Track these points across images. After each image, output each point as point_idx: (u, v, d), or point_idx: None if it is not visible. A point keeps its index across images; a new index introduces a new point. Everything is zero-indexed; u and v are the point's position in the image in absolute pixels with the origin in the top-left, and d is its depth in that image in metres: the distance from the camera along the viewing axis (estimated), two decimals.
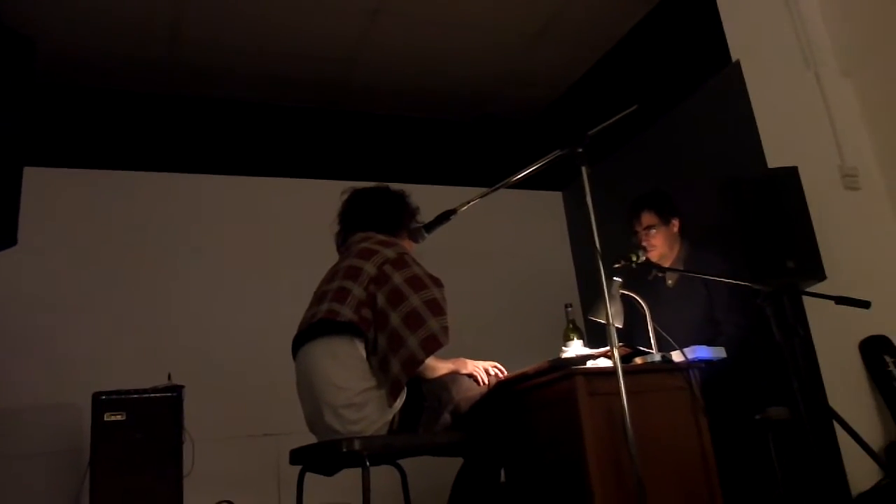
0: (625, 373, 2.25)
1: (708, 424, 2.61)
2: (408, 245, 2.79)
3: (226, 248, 4.37)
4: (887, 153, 3.75)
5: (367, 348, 2.50)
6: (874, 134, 3.80)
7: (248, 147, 4.80)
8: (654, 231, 3.41)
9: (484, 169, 5.04)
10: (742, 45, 3.79)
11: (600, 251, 2.37)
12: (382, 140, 5.17)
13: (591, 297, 3.75)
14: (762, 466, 2.88)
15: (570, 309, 3.06)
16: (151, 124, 4.64)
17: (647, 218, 3.43)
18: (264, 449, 3.96)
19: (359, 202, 2.84)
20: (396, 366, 2.42)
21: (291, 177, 4.68)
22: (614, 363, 2.26)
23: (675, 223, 3.46)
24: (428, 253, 2.91)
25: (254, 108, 4.92)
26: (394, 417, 2.51)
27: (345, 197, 2.87)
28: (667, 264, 3.41)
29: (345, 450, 2.34)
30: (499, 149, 5.40)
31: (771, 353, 2.86)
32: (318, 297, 2.64)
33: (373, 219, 2.78)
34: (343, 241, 2.81)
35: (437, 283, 2.56)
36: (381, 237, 2.71)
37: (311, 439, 2.64)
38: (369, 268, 2.56)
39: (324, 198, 3.02)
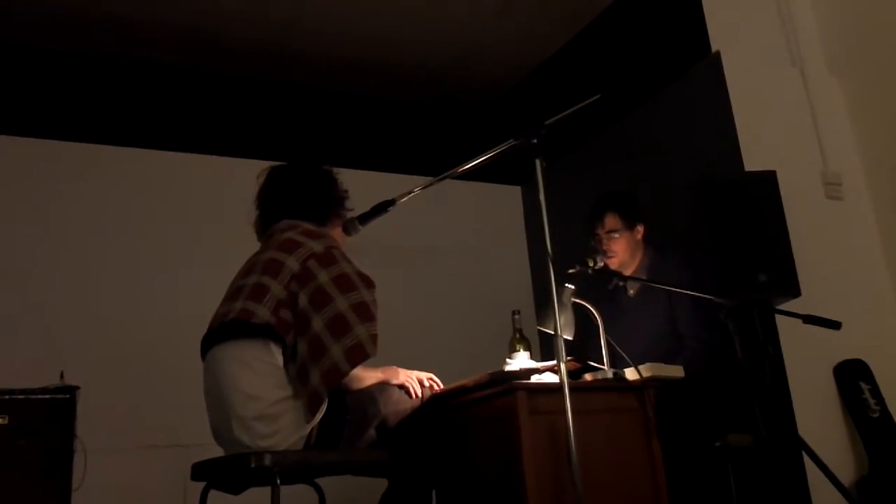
0: (571, 389, 2.29)
1: (661, 450, 2.67)
2: (338, 237, 2.78)
3: (134, 232, 4.32)
4: (874, 160, 3.85)
5: (284, 354, 2.49)
6: (861, 138, 3.90)
7: (163, 117, 4.73)
8: (616, 236, 3.47)
9: (436, 156, 5.06)
10: (724, 35, 3.85)
11: (552, 254, 2.41)
12: (319, 117, 5.16)
13: (544, 304, 3.81)
14: (720, 499, 2.93)
15: (517, 317, 3.10)
16: (49, 85, 4.55)
17: (611, 221, 3.49)
18: (171, 462, 3.90)
19: (279, 183, 2.82)
20: (317, 377, 2.41)
21: (212, 153, 4.63)
22: (560, 379, 2.30)
23: (640, 229, 3.53)
24: (362, 249, 2.93)
25: (172, 72, 4.85)
26: (312, 431, 2.50)
27: (262, 178, 2.85)
28: (628, 272, 3.47)
29: (254, 465, 2.33)
30: (454, 134, 5.43)
31: (735, 374, 2.93)
32: (233, 293, 2.63)
33: (297, 204, 2.76)
34: (264, 228, 2.79)
35: (369, 283, 2.56)
36: (307, 227, 2.69)
37: (221, 452, 2.62)
38: (292, 263, 2.55)
39: (248, 179, 2.99)
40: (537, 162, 2.46)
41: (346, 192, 2.88)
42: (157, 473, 3.93)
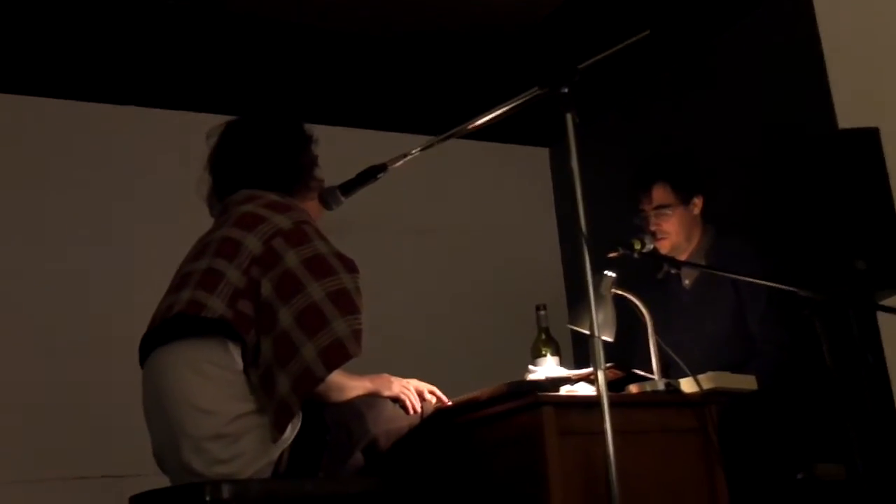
0: (612, 405, 2.30)
1: (726, 482, 2.68)
2: (312, 211, 2.80)
3: (53, 204, 4.33)
4: None
5: (244, 357, 2.51)
6: None
7: (76, 59, 4.69)
8: (667, 212, 3.50)
9: (439, 109, 5.05)
10: None
11: (586, 234, 2.40)
12: (290, 58, 5.13)
13: (578, 297, 3.83)
14: None
15: (543, 313, 3.13)
16: None
17: (660, 194, 3.51)
18: (101, 497, 3.96)
19: (236, 143, 2.84)
20: (285, 384, 2.42)
21: (145, 105, 4.63)
22: (598, 391, 2.30)
23: (698, 203, 3.55)
24: (344, 227, 2.94)
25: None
26: (282, 455, 2.52)
27: (214, 137, 2.87)
28: (682, 257, 3.49)
29: (208, 498, 2.33)
30: (462, 81, 5.41)
31: (823, 387, 2.94)
32: (179, 282, 2.64)
33: (259, 168, 2.78)
34: (219, 200, 2.81)
35: (350, 266, 2.57)
36: (272, 198, 2.71)
37: (166, 482, 2.64)
38: (252, 242, 2.56)
39: (198, 134, 3.01)
40: (568, 117, 2.47)
41: (316, 156, 2.90)
42: None
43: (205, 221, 2.88)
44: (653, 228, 3.48)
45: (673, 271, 3.54)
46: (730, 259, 3.39)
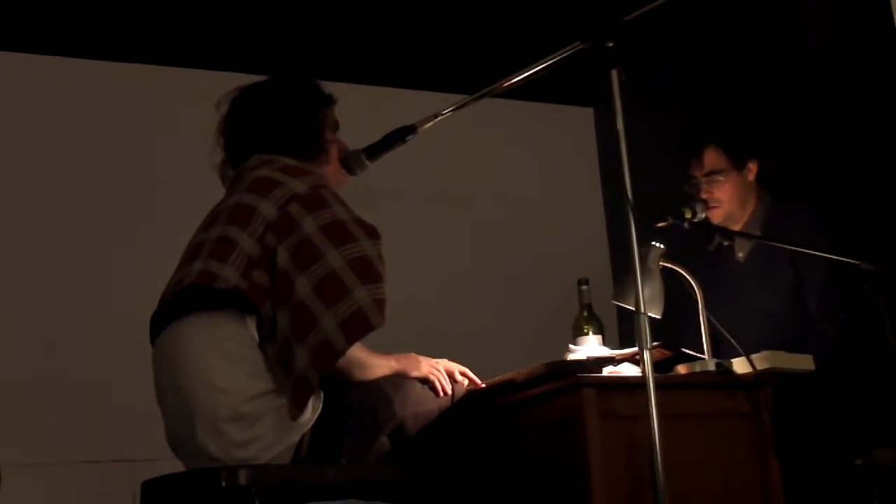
0: (659, 386, 2.31)
1: (781, 470, 2.69)
2: (332, 176, 2.81)
3: (58, 176, 4.37)
4: None
5: (260, 331, 2.52)
6: None
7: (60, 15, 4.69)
8: (720, 179, 3.48)
9: (473, 66, 5.04)
10: None
11: (632, 202, 2.42)
12: (307, 14, 5.13)
13: (623, 270, 3.83)
14: None
15: (585, 287, 3.13)
16: None
17: (712, 158, 3.50)
18: (113, 482, 3.99)
19: (248, 108, 2.85)
20: (304, 358, 2.43)
21: (152, 62, 4.63)
22: (644, 372, 2.32)
23: (752, 168, 3.53)
24: (368, 194, 2.95)
25: None
26: (302, 439, 2.53)
27: (225, 104, 2.87)
28: (736, 227, 3.49)
29: (224, 484, 2.34)
30: (498, 35, 5.39)
31: (886, 367, 2.94)
32: (191, 252, 2.66)
33: (272, 131, 2.79)
34: (233, 167, 2.83)
35: (371, 232, 2.58)
36: (287, 161, 2.72)
37: (180, 467, 2.68)
38: (266, 208, 2.57)
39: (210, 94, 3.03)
40: (614, 73, 2.47)
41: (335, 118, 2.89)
42: (95, 496, 4.02)
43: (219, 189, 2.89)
44: (704, 196, 3.45)
45: (726, 243, 3.53)
46: (787, 230, 3.36)
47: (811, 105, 3.81)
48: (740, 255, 3.57)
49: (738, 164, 3.50)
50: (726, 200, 3.48)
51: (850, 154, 3.10)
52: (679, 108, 4.63)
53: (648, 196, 2.53)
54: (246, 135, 2.82)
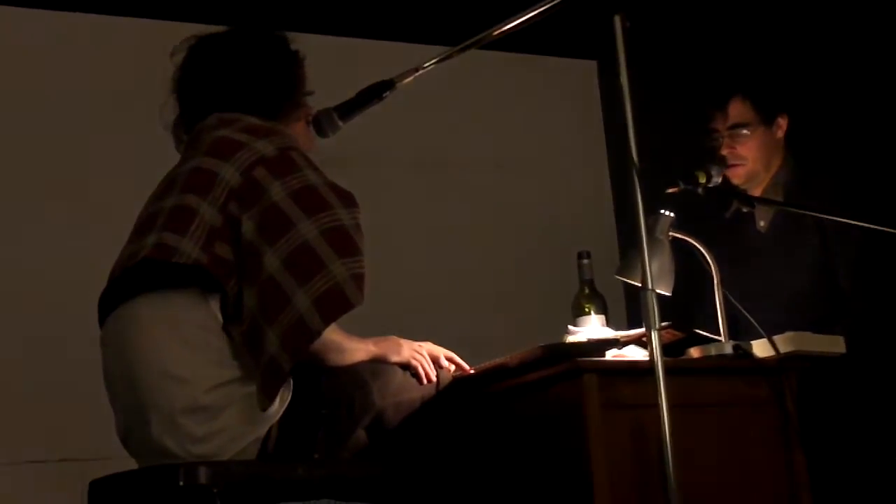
0: (669, 372, 2.34)
1: (806, 464, 2.72)
2: (301, 137, 2.82)
3: None
4: None
5: (224, 311, 2.54)
6: None
7: None
8: (745, 132, 3.50)
9: (458, 14, 5.04)
10: None
11: (637, 164, 2.44)
12: None
13: (628, 242, 3.85)
14: None
15: (586, 262, 3.16)
16: None
17: (738, 110, 3.53)
18: (58, 482, 4.02)
19: (205, 60, 2.85)
20: (274, 340, 2.44)
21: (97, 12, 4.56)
22: (651, 355, 2.35)
23: (782, 124, 3.56)
24: (342, 159, 2.96)
25: None
26: (270, 432, 2.56)
27: (180, 54, 2.87)
28: (757, 192, 3.51)
29: (183, 482, 2.36)
30: None
31: None
32: (143, 224, 2.67)
33: (234, 87, 2.79)
34: (187, 130, 2.83)
35: (347, 199, 2.58)
36: (252, 121, 2.72)
37: (133, 466, 2.70)
38: (229, 172, 2.58)
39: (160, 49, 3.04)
40: (617, 20, 2.53)
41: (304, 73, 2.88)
42: (43, 498, 4.05)
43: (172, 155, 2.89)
44: (725, 152, 3.48)
45: (745, 209, 3.51)
46: (815, 196, 3.39)
47: (846, 65, 3.83)
48: (762, 223, 3.59)
49: (767, 119, 3.53)
50: (750, 158, 3.51)
51: (884, 119, 3.10)
52: (696, 60, 4.64)
53: (657, 159, 2.53)
54: (204, 91, 2.82)
